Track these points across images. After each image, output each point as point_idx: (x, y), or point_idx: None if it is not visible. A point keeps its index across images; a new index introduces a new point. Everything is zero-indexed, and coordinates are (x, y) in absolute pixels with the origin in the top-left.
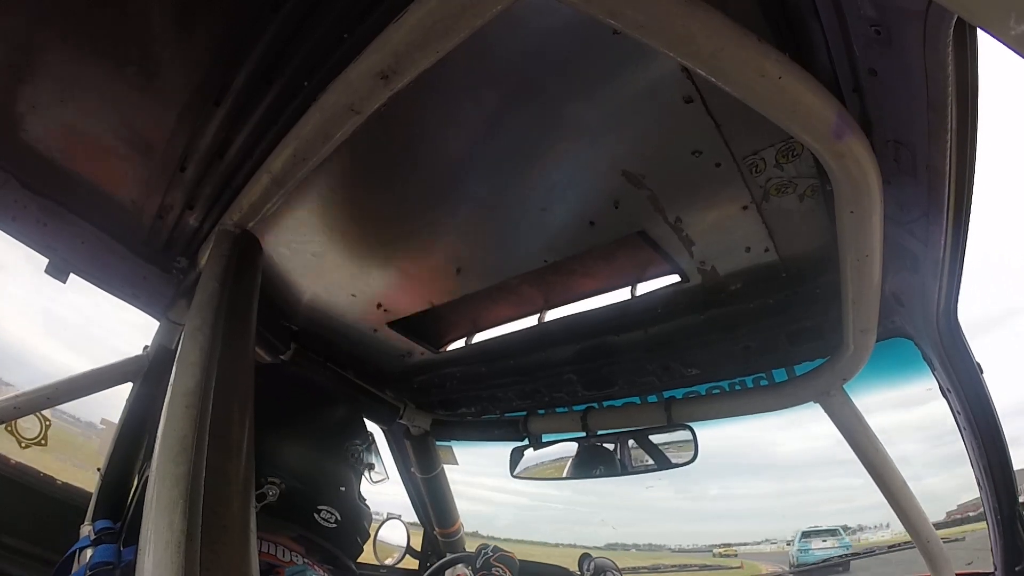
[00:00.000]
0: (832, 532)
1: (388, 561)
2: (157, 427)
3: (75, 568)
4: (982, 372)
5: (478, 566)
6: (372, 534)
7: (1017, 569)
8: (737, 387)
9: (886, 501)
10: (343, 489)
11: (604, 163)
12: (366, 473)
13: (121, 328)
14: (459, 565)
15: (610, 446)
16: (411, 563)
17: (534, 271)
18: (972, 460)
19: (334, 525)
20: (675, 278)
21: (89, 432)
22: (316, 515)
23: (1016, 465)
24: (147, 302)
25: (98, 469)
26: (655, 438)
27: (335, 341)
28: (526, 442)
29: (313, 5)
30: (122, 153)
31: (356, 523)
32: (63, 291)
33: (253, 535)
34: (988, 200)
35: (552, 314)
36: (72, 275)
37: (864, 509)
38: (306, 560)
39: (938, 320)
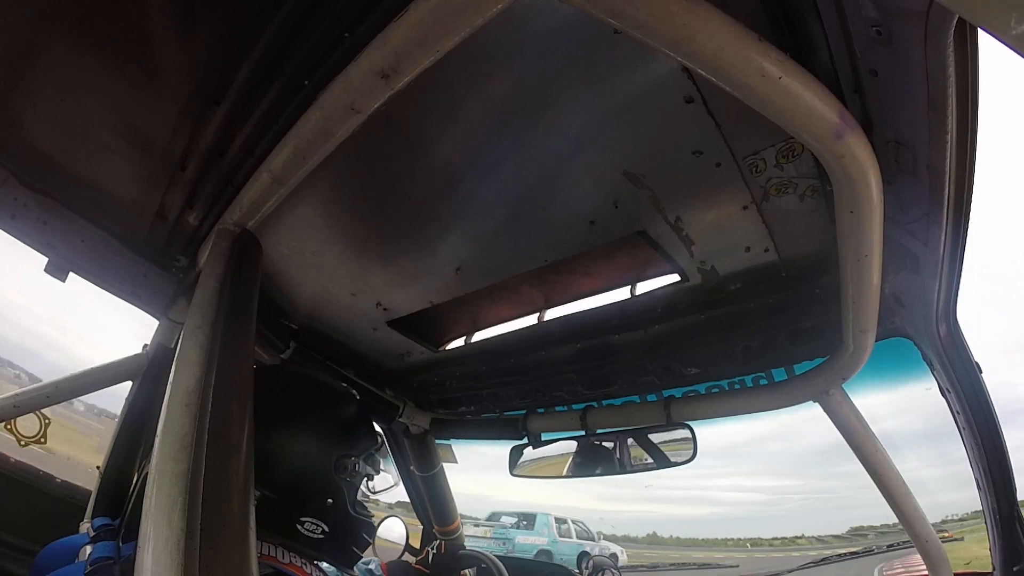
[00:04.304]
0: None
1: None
2: (156, 425)
3: (75, 561)
4: (981, 372)
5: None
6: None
7: (1016, 569)
8: (736, 386)
9: (885, 501)
10: (331, 501)
11: (604, 162)
12: (364, 484)
13: None
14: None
15: (609, 445)
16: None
17: (534, 270)
18: (971, 460)
19: (320, 536)
20: (675, 278)
21: None
22: (299, 526)
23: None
24: (147, 301)
25: (97, 467)
26: (654, 437)
27: (335, 340)
28: (525, 441)
29: (314, 4)
30: (122, 152)
31: (349, 534)
32: None
33: (252, 533)
34: (989, 200)
35: (552, 313)
36: (72, 274)
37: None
38: (303, 561)
39: (937, 320)
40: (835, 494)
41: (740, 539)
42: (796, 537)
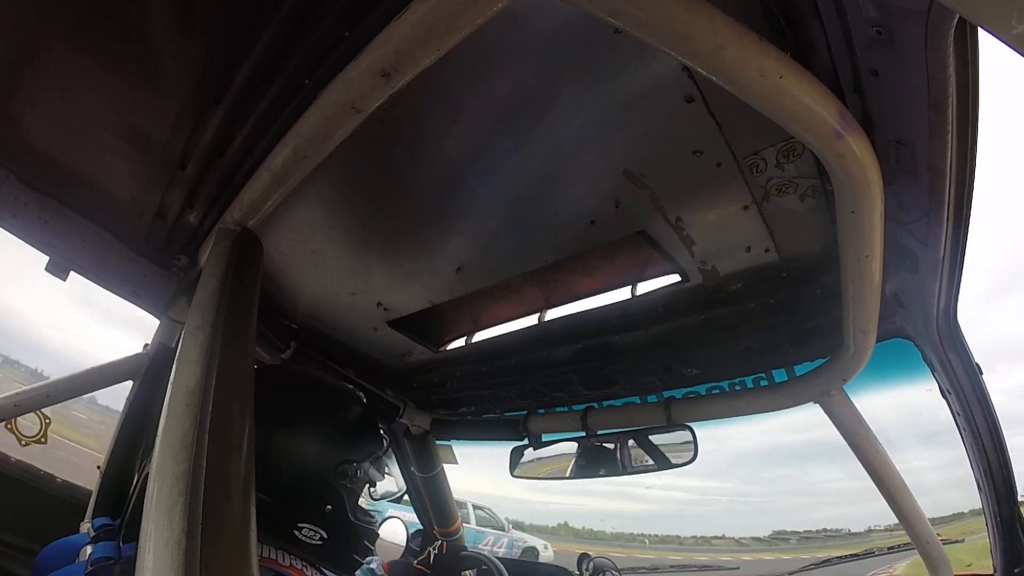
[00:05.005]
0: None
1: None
2: (157, 425)
3: (75, 561)
4: (981, 373)
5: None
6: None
7: (1016, 571)
8: (737, 387)
9: (885, 502)
10: (329, 507)
11: (605, 162)
12: (367, 490)
13: None
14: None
15: (610, 446)
16: None
17: (534, 270)
18: (972, 462)
19: (319, 542)
20: (675, 278)
21: None
22: (297, 532)
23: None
24: (147, 300)
25: (98, 467)
26: (655, 438)
27: (335, 339)
28: (526, 441)
29: (314, 4)
30: (122, 151)
31: (349, 541)
32: None
33: (253, 533)
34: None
35: (552, 313)
36: (72, 273)
37: None
38: (304, 563)
39: (938, 321)
40: (760, 498)
41: (640, 534)
42: (714, 537)
